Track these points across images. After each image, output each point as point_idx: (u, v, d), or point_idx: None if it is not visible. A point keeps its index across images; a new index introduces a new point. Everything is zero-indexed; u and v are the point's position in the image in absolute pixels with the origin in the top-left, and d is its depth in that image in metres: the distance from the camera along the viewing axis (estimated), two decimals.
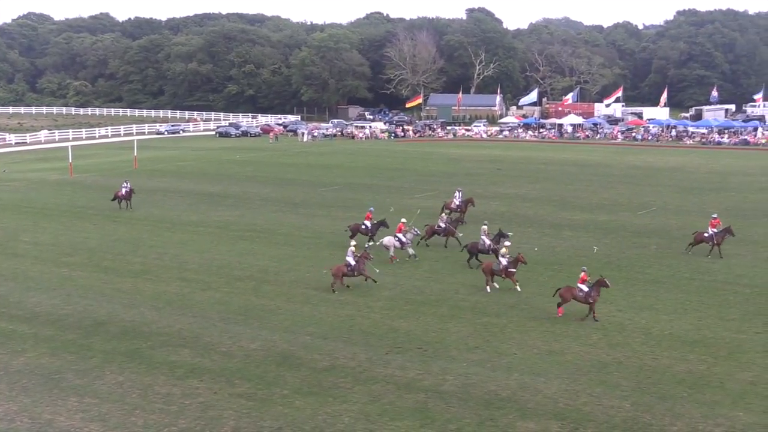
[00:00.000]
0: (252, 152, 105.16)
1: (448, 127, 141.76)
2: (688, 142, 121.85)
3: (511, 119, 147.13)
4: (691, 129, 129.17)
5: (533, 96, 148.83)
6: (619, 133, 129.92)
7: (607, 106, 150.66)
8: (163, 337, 30.46)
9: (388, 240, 43.53)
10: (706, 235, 43.42)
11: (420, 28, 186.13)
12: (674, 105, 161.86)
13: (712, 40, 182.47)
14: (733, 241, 45.69)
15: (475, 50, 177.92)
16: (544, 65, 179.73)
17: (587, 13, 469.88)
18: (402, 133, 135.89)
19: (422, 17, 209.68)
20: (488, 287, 36.67)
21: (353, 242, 40.10)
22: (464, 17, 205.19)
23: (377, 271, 38.58)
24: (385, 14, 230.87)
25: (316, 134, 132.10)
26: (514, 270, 36.49)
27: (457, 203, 53.40)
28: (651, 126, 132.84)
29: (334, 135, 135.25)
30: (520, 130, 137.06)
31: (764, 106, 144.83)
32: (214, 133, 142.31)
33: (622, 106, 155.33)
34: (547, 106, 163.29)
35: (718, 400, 24.45)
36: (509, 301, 34.74)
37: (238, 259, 43.36)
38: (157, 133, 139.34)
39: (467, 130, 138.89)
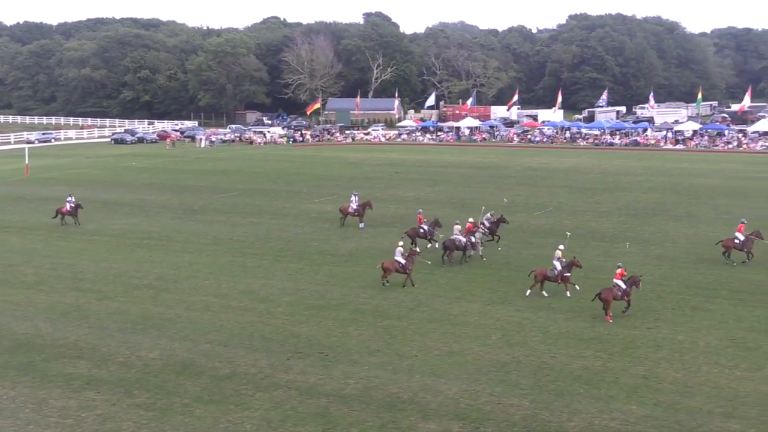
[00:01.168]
0: (149, 159, 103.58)
1: (347, 131, 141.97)
2: (581, 143, 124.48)
3: (409, 123, 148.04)
4: (584, 131, 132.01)
5: (432, 100, 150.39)
6: (515, 136, 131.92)
7: (509, 110, 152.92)
8: (58, 349, 29.78)
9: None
10: (736, 242, 42.18)
11: (317, 33, 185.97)
12: (568, 107, 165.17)
13: (603, 43, 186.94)
14: (626, 239, 46.98)
15: (372, 54, 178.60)
16: (441, 69, 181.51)
17: (482, 17, 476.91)
18: (301, 138, 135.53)
19: (320, 22, 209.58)
20: (529, 291, 36.27)
21: (401, 242, 40.65)
22: (361, 22, 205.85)
23: (428, 262, 41.40)
24: (282, 19, 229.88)
25: (213, 140, 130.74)
26: (569, 274, 36.41)
27: (354, 207, 53.47)
28: (546, 128, 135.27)
29: (233, 140, 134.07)
30: (418, 134, 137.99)
31: (654, 108, 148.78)
32: (109, 140, 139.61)
33: (518, 108, 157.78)
34: (445, 109, 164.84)
35: (613, 394, 25.05)
36: (409, 303, 34.98)
37: (136, 267, 42.66)
38: (27, 143, 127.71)
39: (366, 134, 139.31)
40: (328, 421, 23.51)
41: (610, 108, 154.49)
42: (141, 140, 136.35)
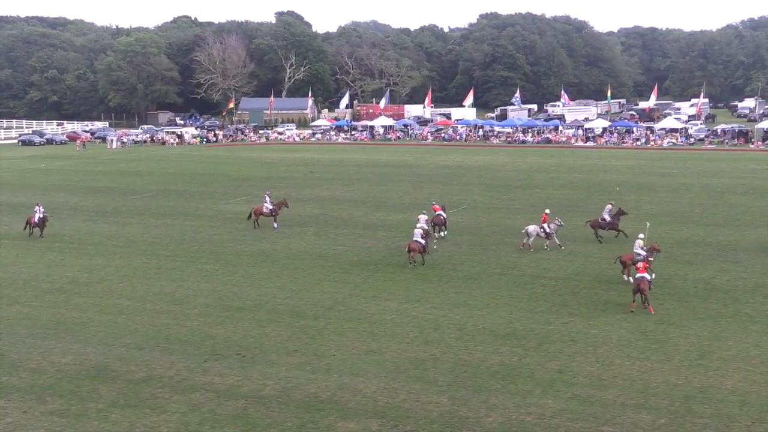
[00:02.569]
0: (58, 160, 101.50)
1: (261, 131, 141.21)
2: (494, 141, 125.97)
3: (323, 122, 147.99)
4: (497, 128, 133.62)
5: (345, 99, 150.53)
6: (428, 134, 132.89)
7: (425, 108, 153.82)
8: None
9: (532, 228, 44.93)
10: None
11: (229, 32, 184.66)
12: (481, 105, 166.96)
13: (514, 42, 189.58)
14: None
15: (285, 54, 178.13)
16: (354, 68, 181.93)
17: (395, 16, 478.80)
18: (214, 138, 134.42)
19: (231, 21, 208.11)
20: (627, 277, 37.16)
21: (423, 217, 45.29)
22: (274, 21, 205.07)
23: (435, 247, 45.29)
24: (193, 18, 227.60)
25: (125, 141, 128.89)
26: (652, 259, 37.28)
27: (269, 207, 53.12)
28: (459, 126, 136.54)
29: (144, 141, 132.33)
30: (333, 133, 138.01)
31: (564, 105, 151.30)
32: (16, 141, 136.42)
33: (431, 107, 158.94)
34: (359, 108, 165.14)
35: (529, 389, 25.37)
36: (326, 303, 34.93)
37: (47, 271, 41.74)
38: None
39: (280, 133, 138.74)
40: (247, 423, 23.33)
41: (522, 106, 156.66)
42: (50, 142, 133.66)
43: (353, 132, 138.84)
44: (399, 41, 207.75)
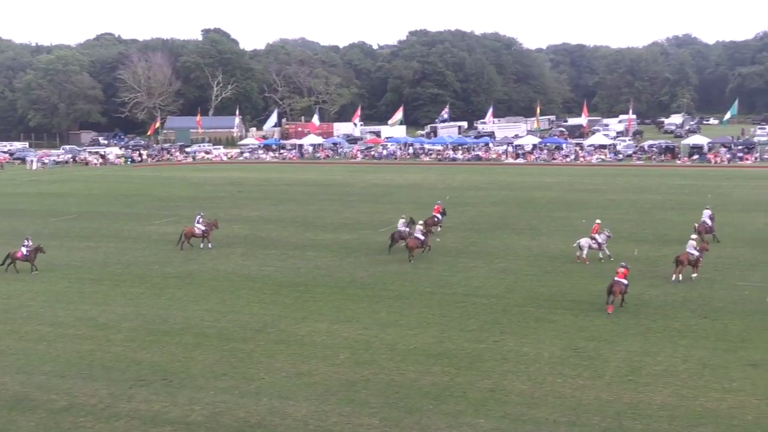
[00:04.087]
0: None
1: (187, 150, 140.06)
2: (425, 159, 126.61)
3: (251, 141, 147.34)
4: (427, 146, 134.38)
5: (274, 117, 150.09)
6: (358, 152, 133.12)
7: (355, 124, 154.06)
8: None
9: (584, 241, 45.98)
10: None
11: (154, 50, 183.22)
12: (411, 123, 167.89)
13: (444, 59, 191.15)
14: (471, 254, 48.18)
15: (212, 71, 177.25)
16: (283, 86, 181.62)
17: (323, 33, 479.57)
18: (139, 158, 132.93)
19: (156, 38, 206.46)
20: (674, 276, 40.98)
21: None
22: (200, 38, 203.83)
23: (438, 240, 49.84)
24: (116, 35, 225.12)
25: (46, 161, 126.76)
26: (702, 258, 41.43)
27: (201, 228, 52.63)
28: (389, 144, 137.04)
29: (66, 162, 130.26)
30: (261, 152, 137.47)
31: (493, 122, 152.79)
32: None
33: (361, 125, 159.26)
34: (287, 126, 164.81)
35: (461, 409, 25.41)
36: (255, 325, 34.64)
37: None
38: None
39: (207, 153, 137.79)
40: None
41: (452, 123, 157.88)
42: None
43: (282, 151, 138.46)
44: (328, 59, 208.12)
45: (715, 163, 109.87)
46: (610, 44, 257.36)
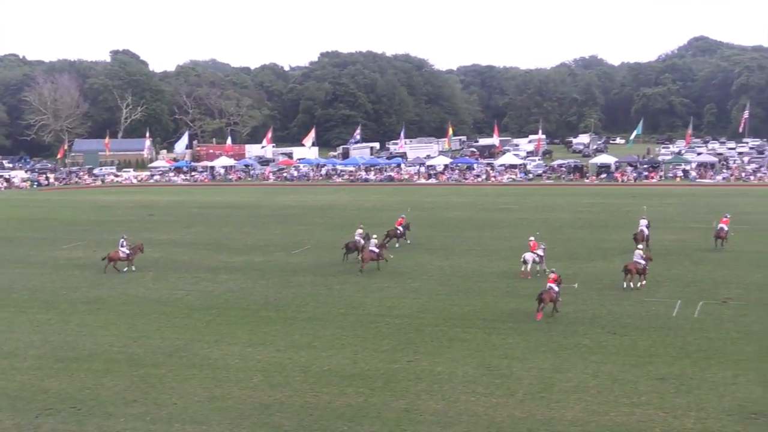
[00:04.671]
0: None
1: (96, 173, 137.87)
2: (337, 180, 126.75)
3: (161, 163, 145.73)
4: (339, 167, 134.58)
5: (184, 139, 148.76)
6: (270, 174, 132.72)
7: (264, 147, 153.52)
8: None
9: (528, 256, 47.82)
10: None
11: (61, 71, 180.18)
12: (323, 144, 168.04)
13: (355, 81, 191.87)
14: (384, 274, 48.32)
15: (121, 93, 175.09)
16: (194, 108, 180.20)
17: (234, 55, 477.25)
18: (45, 182, 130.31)
19: (63, 60, 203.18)
20: (625, 284, 43.46)
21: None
22: (108, 60, 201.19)
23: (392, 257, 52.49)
24: (21, 56, 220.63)
25: None
26: (647, 266, 44.43)
27: (126, 252, 51.83)
28: (302, 165, 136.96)
29: None
30: (172, 174, 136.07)
31: (406, 143, 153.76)
32: None
33: (273, 146, 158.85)
34: (198, 148, 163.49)
35: (376, 430, 25.43)
36: (167, 350, 34.19)
37: None
38: None
39: (116, 175, 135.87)
40: None
41: (364, 144, 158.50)
42: None
43: (193, 173, 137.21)
44: (239, 80, 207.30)
45: (622, 181, 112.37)
46: (520, 65, 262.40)
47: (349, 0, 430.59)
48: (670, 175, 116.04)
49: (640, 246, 48.43)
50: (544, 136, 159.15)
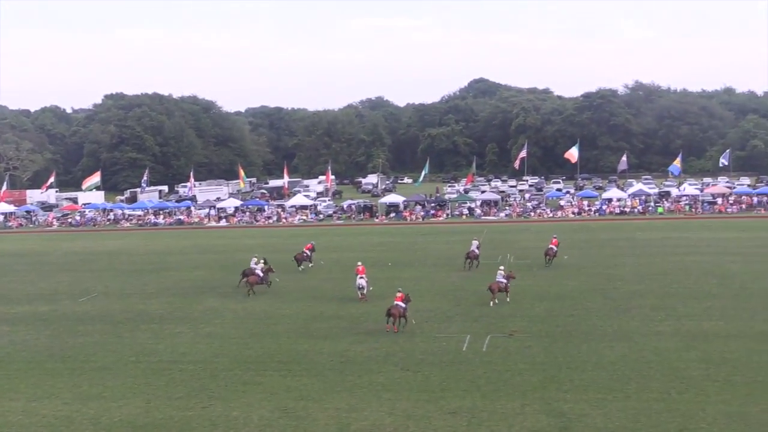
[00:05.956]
0: None
1: None
2: (125, 224, 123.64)
3: None
4: (127, 212, 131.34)
5: None
6: (54, 220, 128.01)
7: (42, 192, 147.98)
8: None
9: (362, 282, 52.01)
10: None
11: None
12: (110, 188, 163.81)
13: (142, 123, 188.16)
14: (176, 319, 47.64)
15: None
16: None
17: (12, 97, 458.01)
18: None
19: None
20: (492, 302, 48.89)
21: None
22: None
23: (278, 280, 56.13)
24: None
25: None
26: (509, 283, 50.31)
27: None
28: (87, 210, 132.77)
29: None
30: None
31: (195, 186, 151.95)
32: None
33: (56, 191, 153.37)
34: None
35: None
36: None
37: None
38: None
39: None
40: None
41: (152, 188, 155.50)
42: None
43: None
44: (18, 123, 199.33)
45: (411, 220, 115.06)
46: (308, 107, 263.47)
47: (132, 42, 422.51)
48: (457, 213, 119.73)
49: (502, 267, 53.41)
50: (333, 177, 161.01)
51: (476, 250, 64.75)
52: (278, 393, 33.08)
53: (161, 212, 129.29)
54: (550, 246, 65.68)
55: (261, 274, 56.61)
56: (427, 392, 32.70)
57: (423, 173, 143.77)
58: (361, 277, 52.58)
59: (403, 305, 43.00)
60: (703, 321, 43.60)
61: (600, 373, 34.38)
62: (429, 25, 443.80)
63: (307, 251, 67.70)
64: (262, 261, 59.47)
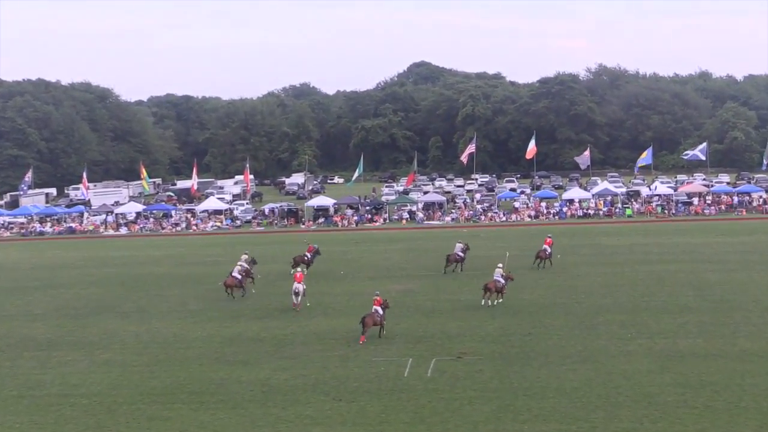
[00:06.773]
0: None
1: None
2: (5, 234, 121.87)
3: None
4: (7, 219, 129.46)
5: None
6: None
7: None
8: None
9: (300, 287, 54.56)
10: None
11: None
12: None
13: (24, 114, 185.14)
14: (67, 345, 47.16)
15: None
16: None
17: None
18: None
19: None
20: (483, 300, 53.14)
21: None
22: None
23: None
24: None
25: None
26: (506, 284, 54.57)
27: None
28: None
29: None
30: None
31: (89, 188, 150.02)
32: None
33: None
34: None
35: None
36: None
37: None
38: None
39: None
40: None
41: (38, 191, 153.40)
42: None
43: None
44: None
45: (343, 226, 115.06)
46: (222, 95, 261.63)
47: (9, 18, 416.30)
48: (396, 217, 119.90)
49: (500, 265, 55.58)
50: (252, 176, 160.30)
51: (460, 254, 67.99)
52: (189, 429, 32.82)
53: (48, 219, 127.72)
54: (544, 247, 68.83)
55: (239, 276, 59.77)
56: (363, 425, 32.66)
57: (357, 172, 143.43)
58: (302, 284, 55.01)
59: (380, 311, 45.64)
60: (679, 339, 44.20)
61: (562, 401, 34.65)
62: (362, 1, 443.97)
63: (308, 254, 71.10)
64: (251, 260, 64.85)
